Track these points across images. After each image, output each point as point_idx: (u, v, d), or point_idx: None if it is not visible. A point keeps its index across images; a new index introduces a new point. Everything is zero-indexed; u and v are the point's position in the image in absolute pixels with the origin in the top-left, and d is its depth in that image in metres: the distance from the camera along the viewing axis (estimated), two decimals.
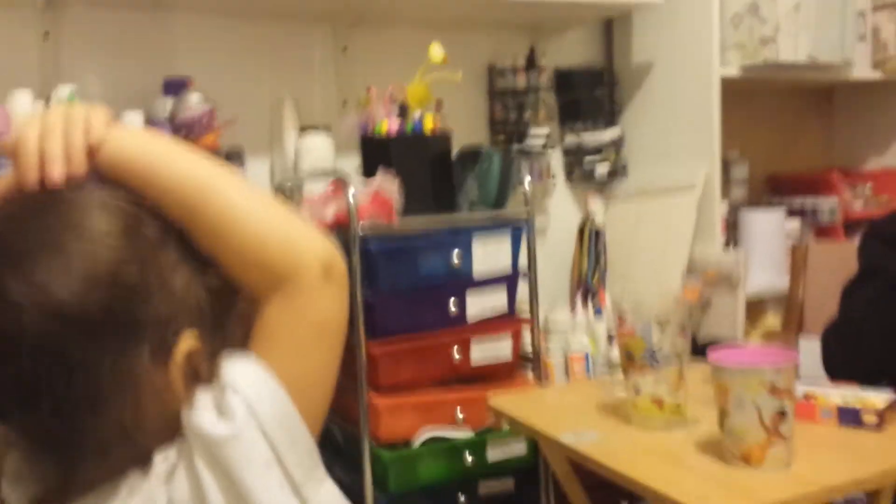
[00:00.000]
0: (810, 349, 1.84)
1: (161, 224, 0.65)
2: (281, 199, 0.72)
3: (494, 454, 1.74)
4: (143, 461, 0.64)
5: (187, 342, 0.64)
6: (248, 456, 0.61)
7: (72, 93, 1.66)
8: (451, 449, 1.70)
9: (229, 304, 0.68)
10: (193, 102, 1.80)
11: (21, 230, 0.62)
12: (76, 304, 0.60)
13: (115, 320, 0.61)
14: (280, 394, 0.64)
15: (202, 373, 0.65)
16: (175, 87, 1.84)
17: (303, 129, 1.97)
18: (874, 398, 1.25)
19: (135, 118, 1.74)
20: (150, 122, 1.82)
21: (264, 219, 0.66)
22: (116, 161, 0.65)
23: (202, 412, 0.62)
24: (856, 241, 2.52)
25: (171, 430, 0.64)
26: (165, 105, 1.83)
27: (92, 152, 0.65)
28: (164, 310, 0.63)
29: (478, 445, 1.72)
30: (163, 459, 0.63)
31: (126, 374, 0.62)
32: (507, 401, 1.45)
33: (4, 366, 0.60)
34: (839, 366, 1.45)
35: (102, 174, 0.66)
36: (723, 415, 1.08)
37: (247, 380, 0.63)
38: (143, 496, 0.63)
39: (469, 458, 1.70)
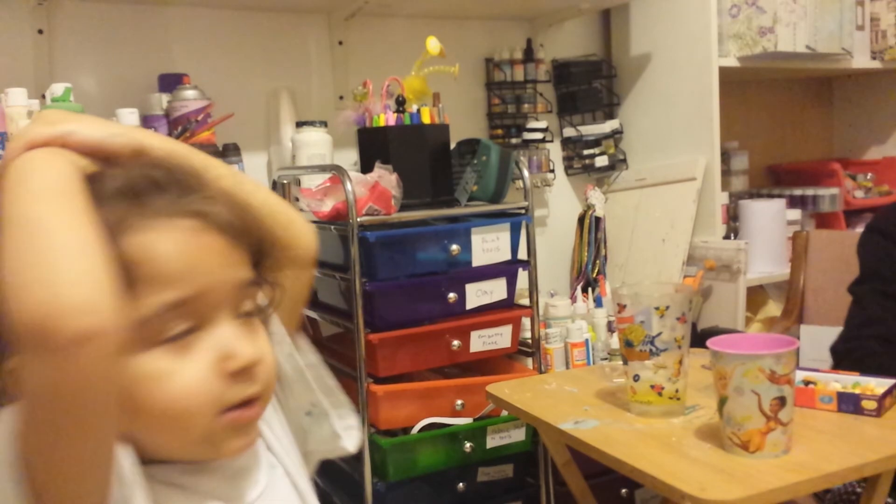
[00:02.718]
0: (811, 336, 1.84)
1: None
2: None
3: (493, 441, 1.74)
4: None
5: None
6: None
7: (67, 90, 1.66)
8: (450, 436, 1.70)
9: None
10: (189, 98, 1.80)
11: None
12: None
13: None
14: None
15: None
16: (170, 83, 1.84)
17: (299, 123, 1.97)
18: (873, 384, 1.25)
19: (130, 114, 1.74)
20: (146, 118, 1.82)
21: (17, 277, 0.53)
22: None
23: None
24: (857, 230, 2.52)
25: None
26: (161, 101, 1.83)
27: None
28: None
29: (477, 433, 1.72)
30: None
31: None
32: (506, 388, 1.45)
33: None
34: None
35: None
36: (722, 401, 1.08)
37: None
38: None
39: (468, 446, 1.71)
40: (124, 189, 0.63)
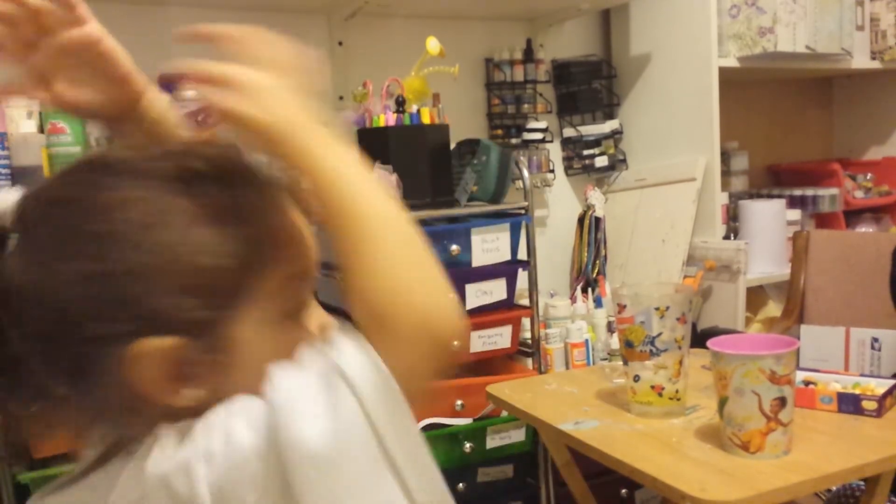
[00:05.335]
0: (811, 336, 1.84)
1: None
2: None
3: (493, 442, 1.74)
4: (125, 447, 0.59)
5: (164, 343, 0.58)
6: None
7: None
8: (450, 436, 1.70)
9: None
10: (189, 98, 1.80)
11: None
12: (62, 292, 0.56)
13: (98, 312, 0.57)
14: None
15: (192, 375, 0.59)
16: (170, 83, 1.84)
17: None
18: (874, 385, 1.25)
19: None
20: None
21: (400, 276, 0.62)
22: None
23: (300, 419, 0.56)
24: (857, 230, 2.52)
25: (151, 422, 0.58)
26: None
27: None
28: (151, 311, 0.58)
29: (477, 433, 1.72)
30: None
31: (90, 358, 0.57)
32: (506, 388, 1.45)
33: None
34: None
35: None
36: (722, 402, 1.08)
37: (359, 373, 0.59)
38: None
39: (468, 446, 1.70)
40: (243, 168, 0.65)
